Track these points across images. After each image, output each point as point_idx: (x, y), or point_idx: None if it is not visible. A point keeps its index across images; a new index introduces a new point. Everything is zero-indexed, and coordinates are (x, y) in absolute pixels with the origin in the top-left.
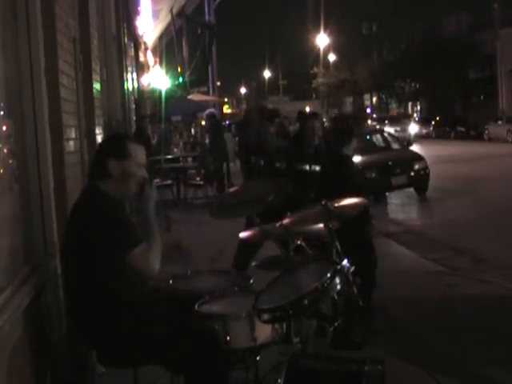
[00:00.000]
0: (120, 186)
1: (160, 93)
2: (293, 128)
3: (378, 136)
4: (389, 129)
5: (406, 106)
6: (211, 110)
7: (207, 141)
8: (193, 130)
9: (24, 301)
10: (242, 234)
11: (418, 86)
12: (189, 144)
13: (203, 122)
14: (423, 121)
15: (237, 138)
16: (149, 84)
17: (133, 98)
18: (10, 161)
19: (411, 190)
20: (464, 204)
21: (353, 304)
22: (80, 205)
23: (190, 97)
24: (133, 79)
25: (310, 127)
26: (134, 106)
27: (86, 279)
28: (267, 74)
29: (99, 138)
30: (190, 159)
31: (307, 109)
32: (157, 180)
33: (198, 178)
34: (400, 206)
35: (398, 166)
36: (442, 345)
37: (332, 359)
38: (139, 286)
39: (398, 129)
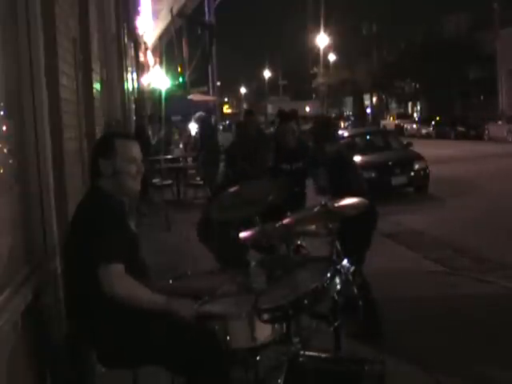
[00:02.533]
0: (115, 184)
1: (160, 93)
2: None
3: (378, 136)
4: None
5: (406, 106)
6: (201, 113)
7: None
8: (193, 131)
9: (24, 301)
10: (243, 234)
11: (417, 85)
12: (189, 144)
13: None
14: (423, 121)
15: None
16: (149, 84)
17: (133, 97)
18: (10, 161)
19: (411, 189)
20: (464, 204)
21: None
22: (83, 205)
23: (189, 97)
24: (133, 79)
25: (287, 128)
26: (133, 106)
27: (87, 279)
28: (267, 73)
29: None
30: (189, 159)
31: (307, 109)
32: (157, 180)
33: (197, 178)
34: (400, 205)
35: (398, 166)
36: (442, 345)
37: (332, 359)
38: None
39: None
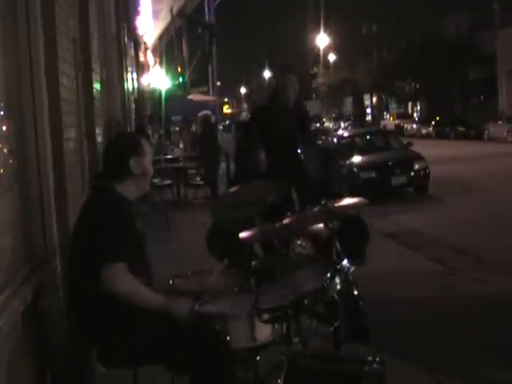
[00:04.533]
0: (138, 183)
1: (160, 93)
2: None
3: (378, 136)
4: None
5: (406, 106)
6: (207, 112)
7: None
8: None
9: (24, 301)
10: (242, 234)
11: (417, 85)
12: (189, 144)
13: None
14: (423, 121)
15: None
16: (149, 84)
17: (133, 97)
18: (10, 161)
19: (411, 189)
20: (464, 204)
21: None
22: (90, 205)
23: (189, 97)
24: (133, 79)
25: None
26: (133, 106)
27: (90, 278)
28: (267, 74)
29: (99, 138)
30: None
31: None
32: (157, 180)
33: (198, 178)
34: (400, 205)
35: (398, 166)
36: (442, 345)
37: (332, 359)
38: None
39: None
